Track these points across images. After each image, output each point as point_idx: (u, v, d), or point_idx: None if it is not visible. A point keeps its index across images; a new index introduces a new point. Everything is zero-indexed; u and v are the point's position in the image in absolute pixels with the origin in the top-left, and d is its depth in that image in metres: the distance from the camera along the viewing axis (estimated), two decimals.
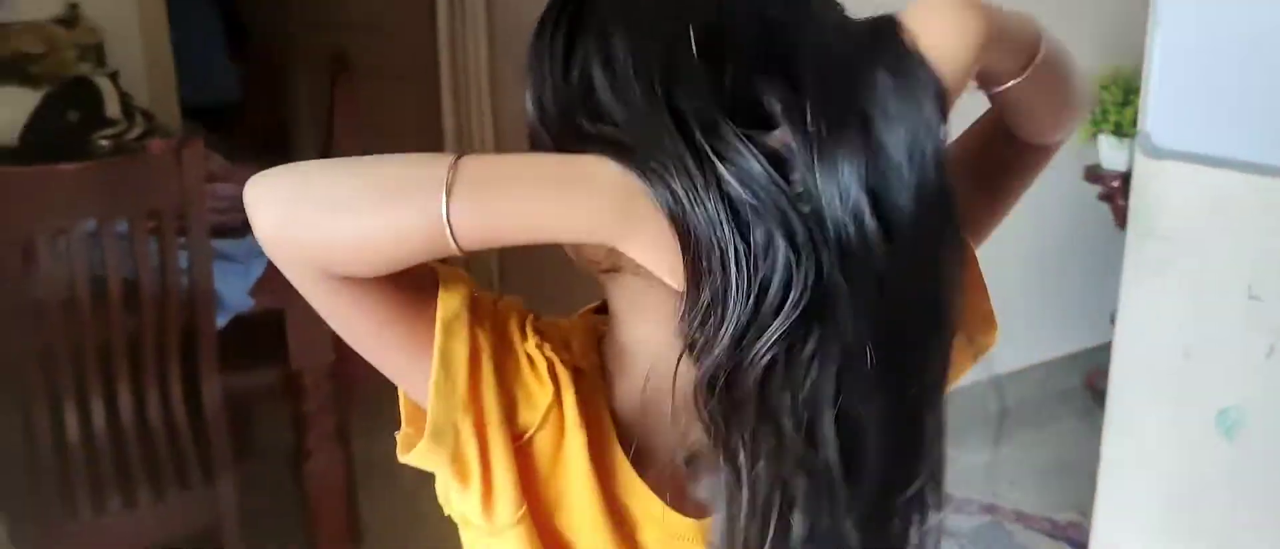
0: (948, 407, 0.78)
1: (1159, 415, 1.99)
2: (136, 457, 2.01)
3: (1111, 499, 2.10)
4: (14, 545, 1.99)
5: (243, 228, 2.20)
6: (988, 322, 0.96)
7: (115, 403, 1.98)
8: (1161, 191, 1.90)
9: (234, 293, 2.07)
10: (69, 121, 2.82)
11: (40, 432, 1.97)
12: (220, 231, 2.15)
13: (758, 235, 0.67)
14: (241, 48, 4.89)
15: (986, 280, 0.98)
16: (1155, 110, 1.88)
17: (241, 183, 0.77)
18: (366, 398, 1.78)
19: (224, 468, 2.05)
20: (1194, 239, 1.87)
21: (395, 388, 0.80)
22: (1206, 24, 1.81)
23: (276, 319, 2.21)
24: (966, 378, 2.57)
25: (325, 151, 2.93)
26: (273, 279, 2.14)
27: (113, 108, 2.87)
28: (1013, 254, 3.19)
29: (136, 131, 2.85)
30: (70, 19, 3.18)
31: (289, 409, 2.33)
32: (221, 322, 2.05)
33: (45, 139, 2.72)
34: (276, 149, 3.51)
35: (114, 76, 3.02)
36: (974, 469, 3.03)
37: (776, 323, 0.68)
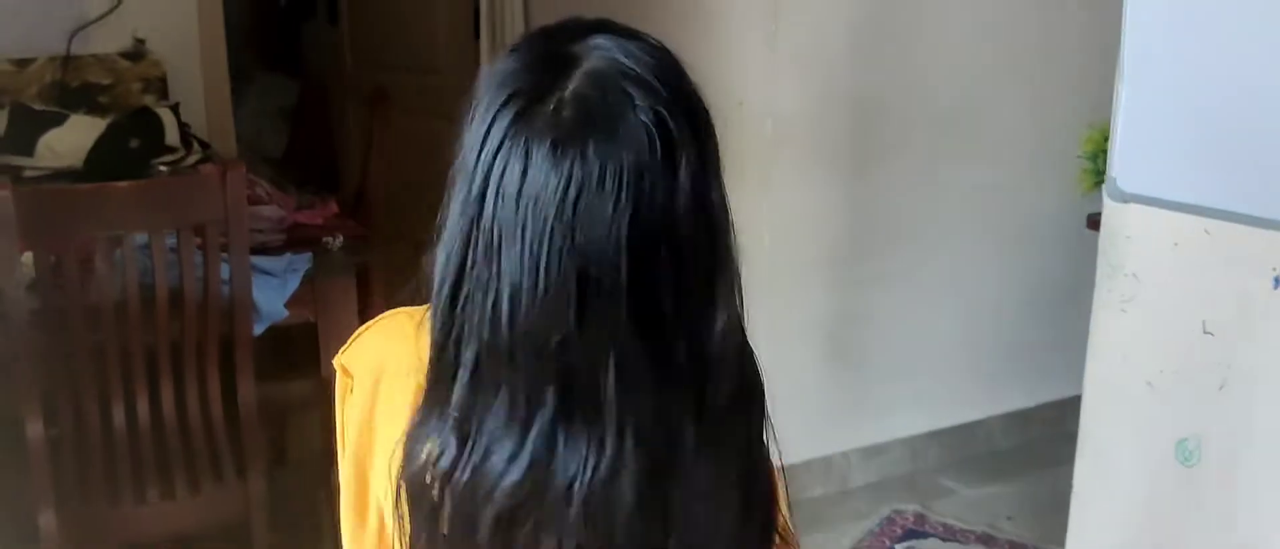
0: None
1: (1124, 444, 2.10)
2: (176, 451, 2.20)
3: (1082, 525, 2.21)
4: (61, 531, 2.16)
5: (281, 247, 2.40)
6: None
7: (158, 401, 2.17)
8: (1127, 233, 2.03)
9: (271, 304, 2.26)
10: (131, 148, 3.02)
11: (90, 425, 2.16)
12: (261, 249, 2.35)
13: None
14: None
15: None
16: (1121, 157, 2.01)
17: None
18: None
19: (256, 464, 2.23)
20: (1155, 278, 2.00)
21: None
22: (1169, 80, 1.94)
23: (310, 331, 2.40)
24: (974, 415, 2.78)
25: (363, 180, 3.13)
26: (307, 293, 2.34)
27: (172, 136, 3.08)
28: (1022, 300, 3.33)
29: (193, 159, 3.05)
30: (137, 54, 3.41)
31: (320, 415, 2.50)
32: (258, 330, 2.24)
33: (108, 163, 2.92)
34: (320, 180, 3.70)
35: (175, 108, 3.24)
36: (975, 501, 3.15)
37: None
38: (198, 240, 2.15)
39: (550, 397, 0.84)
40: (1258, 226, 1.82)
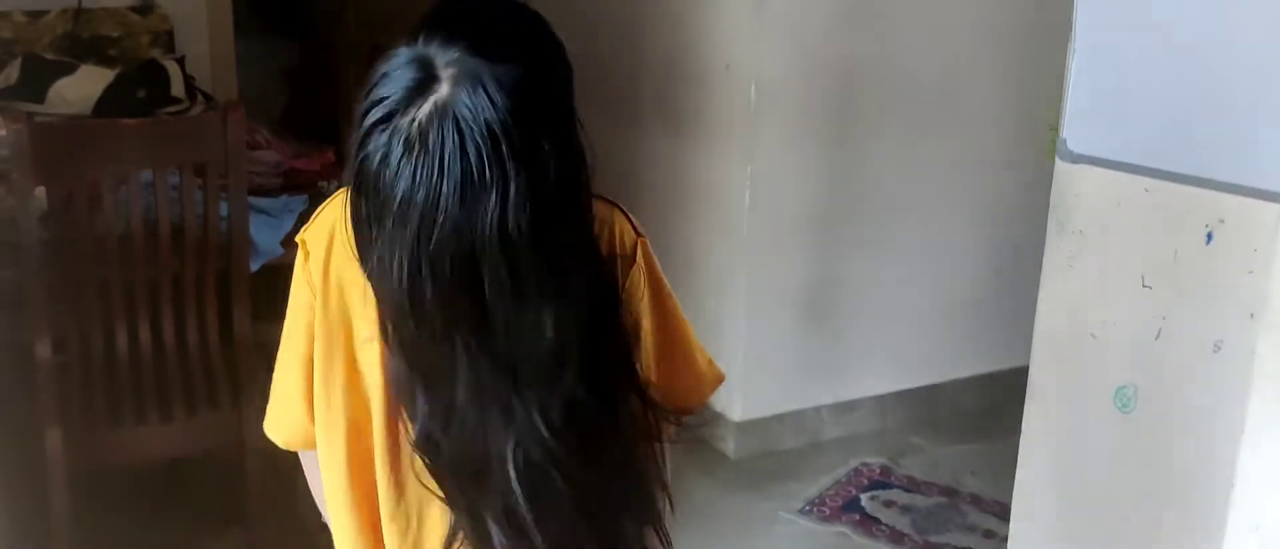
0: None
1: (1069, 392, 2.22)
2: (174, 377, 2.33)
3: (1029, 468, 2.34)
4: (67, 450, 2.29)
5: (277, 189, 2.53)
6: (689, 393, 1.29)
7: (159, 329, 2.31)
8: (1075, 192, 2.15)
9: (267, 241, 2.39)
10: (138, 98, 3.14)
11: (94, 351, 2.29)
12: (259, 191, 2.48)
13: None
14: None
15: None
16: (1071, 120, 2.13)
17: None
18: None
19: (249, 391, 2.36)
20: (1100, 235, 2.12)
21: None
22: (1115, 47, 2.06)
23: None
24: (949, 374, 2.95)
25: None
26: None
27: (177, 88, 3.19)
28: (993, 268, 3.44)
29: (197, 110, 3.17)
30: (145, 8, 3.53)
31: None
32: (254, 266, 2.36)
33: (116, 112, 3.02)
34: (318, 136, 3.83)
35: (181, 61, 3.35)
36: (940, 459, 3.27)
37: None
38: (199, 180, 2.28)
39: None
40: (1192, 185, 1.94)
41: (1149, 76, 2.00)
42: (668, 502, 1.21)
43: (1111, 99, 2.08)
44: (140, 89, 3.13)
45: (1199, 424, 2.03)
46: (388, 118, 1.02)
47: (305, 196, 2.51)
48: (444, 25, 1.04)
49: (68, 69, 3.12)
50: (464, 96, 1.00)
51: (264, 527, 2.56)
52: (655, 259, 1.24)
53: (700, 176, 3.20)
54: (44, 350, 2.24)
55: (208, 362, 2.35)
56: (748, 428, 3.22)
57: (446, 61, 1.02)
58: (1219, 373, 1.96)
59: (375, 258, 1.05)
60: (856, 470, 3.17)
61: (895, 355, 3.40)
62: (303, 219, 2.51)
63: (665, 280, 1.25)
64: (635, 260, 1.20)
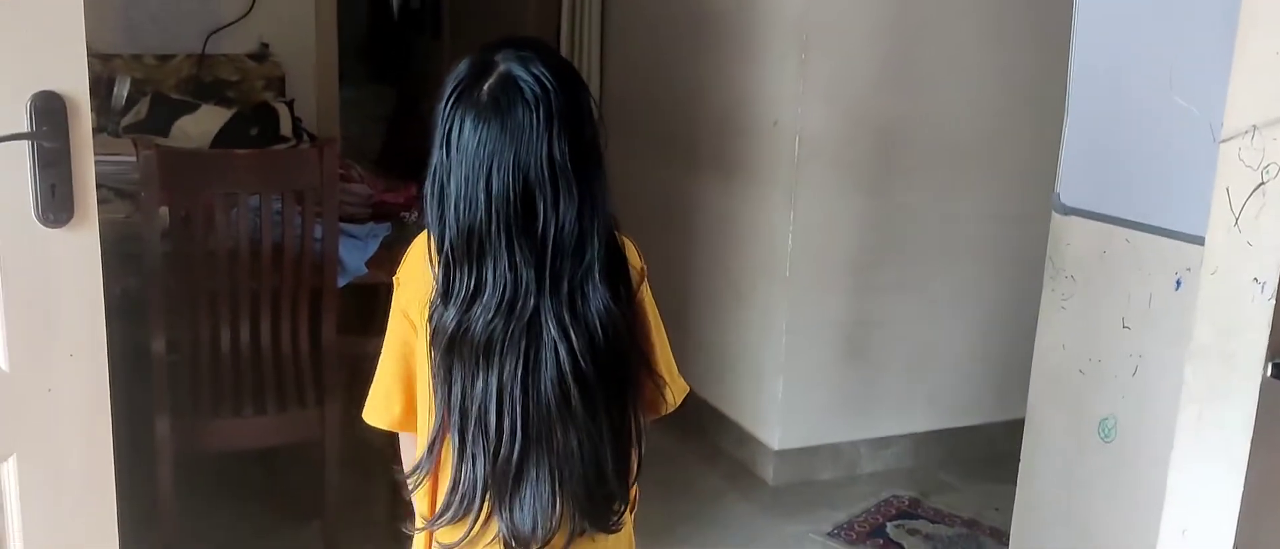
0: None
1: (1060, 424, 2.45)
2: (268, 376, 2.67)
3: (1026, 493, 2.55)
4: (173, 436, 2.64)
5: (365, 218, 2.87)
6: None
7: (258, 334, 2.65)
8: (1066, 241, 2.39)
9: (354, 262, 2.73)
10: (251, 135, 3.51)
11: (201, 351, 2.64)
12: (350, 218, 2.82)
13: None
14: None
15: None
16: (1064, 176, 2.38)
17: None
18: None
19: (333, 392, 2.68)
20: (1087, 279, 2.35)
21: None
22: (1101, 113, 2.30)
23: (387, 290, 2.85)
24: (984, 418, 3.30)
25: None
26: (385, 257, 2.80)
27: (286, 128, 3.57)
28: (1030, 319, 3.64)
29: (301, 148, 3.55)
30: (261, 56, 3.92)
31: None
32: (341, 283, 2.70)
33: (230, 147, 3.42)
34: (407, 168, 4.16)
35: (290, 104, 3.73)
36: (969, 495, 3.47)
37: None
38: (298, 206, 2.62)
39: (493, 263, 1.40)
40: (1164, 237, 2.17)
41: (1128, 141, 2.24)
42: (639, 455, 1.52)
43: (1098, 158, 2.33)
44: (253, 127, 3.50)
45: (1167, 454, 2.23)
46: (462, 94, 1.38)
47: (389, 224, 2.85)
48: (493, 44, 1.43)
49: (190, 108, 3.51)
50: (519, 69, 1.38)
51: (341, 521, 2.88)
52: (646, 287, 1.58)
53: (748, 220, 3.48)
54: (158, 349, 2.58)
55: (297, 364, 2.69)
56: (786, 457, 3.46)
57: (500, 56, 1.39)
58: None
59: (452, 189, 1.38)
60: (886, 501, 3.39)
61: (931, 396, 3.61)
62: (386, 244, 2.87)
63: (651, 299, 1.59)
64: (644, 273, 1.54)
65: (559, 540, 1.47)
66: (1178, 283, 2.17)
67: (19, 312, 1.47)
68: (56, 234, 1.47)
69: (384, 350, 1.58)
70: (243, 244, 2.58)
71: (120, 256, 2.50)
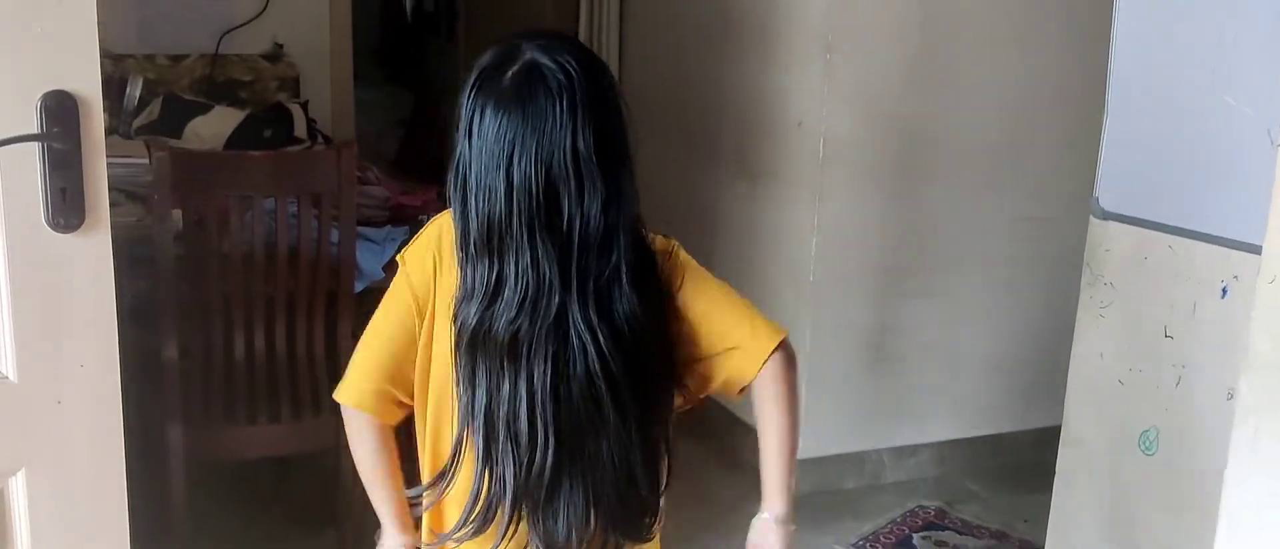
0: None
1: (1099, 435, 2.37)
2: (283, 383, 2.61)
3: (1062, 507, 2.48)
4: (186, 443, 2.58)
5: (383, 221, 2.81)
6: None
7: (273, 340, 2.59)
8: (1105, 247, 2.31)
9: (370, 266, 2.66)
10: (264, 137, 3.45)
11: (215, 356, 2.58)
12: (367, 221, 2.76)
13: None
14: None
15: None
16: (1104, 180, 2.31)
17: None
18: None
19: None
20: (1128, 286, 2.28)
21: None
22: (1144, 115, 2.23)
23: None
24: (1011, 426, 3.21)
25: None
26: None
27: (300, 130, 3.51)
28: (1058, 324, 3.57)
29: (317, 150, 3.49)
30: (275, 56, 3.86)
31: None
32: (358, 287, 2.64)
33: (243, 149, 3.37)
34: (425, 170, 4.10)
35: (304, 105, 3.67)
36: (996, 506, 3.40)
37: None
38: (314, 209, 2.56)
39: (515, 258, 1.35)
40: (1210, 243, 2.10)
41: (1172, 144, 2.17)
42: (668, 465, 1.46)
43: (1140, 163, 2.25)
44: (267, 129, 3.44)
45: (1213, 468, 2.16)
46: (485, 81, 1.34)
47: (407, 227, 2.79)
48: (520, 33, 1.38)
49: (203, 109, 3.46)
50: (543, 57, 1.34)
51: (355, 531, 2.81)
52: (689, 257, 1.50)
53: (772, 222, 3.41)
54: (171, 354, 2.53)
55: (313, 371, 2.63)
56: (810, 465, 3.39)
57: (526, 44, 1.35)
58: (1232, 420, 2.10)
59: (472, 179, 1.34)
60: (912, 512, 3.32)
61: (957, 404, 3.54)
62: (404, 248, 2.80)
63: (703, 270, 1.50)
64: (672, 254, 1.48)
65: None
66: (1224, 290, 2.10)
67: (27, 320, 1.41)
68: (67, 239, 1.40)
69: (370, 326, 1.54)
70: (257, 248, 2.52)
71: (132, 261, 2.44)
